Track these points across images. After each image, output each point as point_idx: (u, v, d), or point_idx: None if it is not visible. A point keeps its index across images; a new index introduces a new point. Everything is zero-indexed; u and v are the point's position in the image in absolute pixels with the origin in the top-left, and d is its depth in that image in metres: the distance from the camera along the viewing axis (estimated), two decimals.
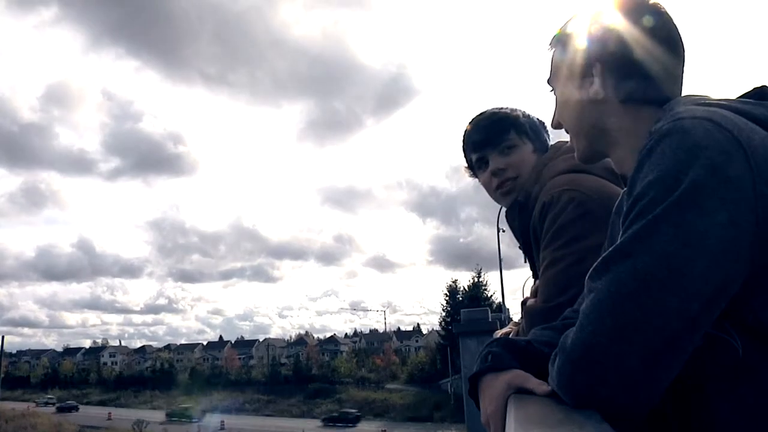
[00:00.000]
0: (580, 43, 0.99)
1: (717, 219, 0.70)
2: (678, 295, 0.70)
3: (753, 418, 0.74)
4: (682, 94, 0.95)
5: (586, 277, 0.79)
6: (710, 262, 0.70)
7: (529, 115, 1.63)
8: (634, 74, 0.94)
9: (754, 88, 0.88)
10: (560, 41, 1.05)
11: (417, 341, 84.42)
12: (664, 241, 0.71)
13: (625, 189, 0.85)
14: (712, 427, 0.77)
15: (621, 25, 0.95)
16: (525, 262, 1.60)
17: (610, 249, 0.76)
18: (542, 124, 1.64)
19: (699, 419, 0.78)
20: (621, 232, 0.77)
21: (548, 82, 1.10)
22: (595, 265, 0.78)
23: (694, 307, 0.71)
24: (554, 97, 1.09)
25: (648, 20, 0.94)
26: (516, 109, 1.63)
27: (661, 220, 0.72)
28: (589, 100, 0.98)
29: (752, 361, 0.74)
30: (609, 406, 0.73)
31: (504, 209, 1.64)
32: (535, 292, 1.40)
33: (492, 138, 1.57)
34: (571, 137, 1.06)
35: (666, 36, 0.95)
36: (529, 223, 1.45)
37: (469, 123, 1.64)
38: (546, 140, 1.62)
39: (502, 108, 1.63)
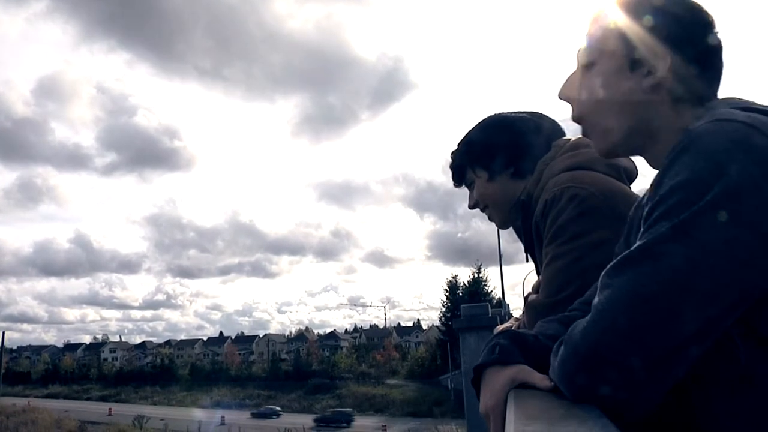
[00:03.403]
0: (643, 28, 0.91)
1: (747, 228, 0.67)
2: (696, 302, 0.68)
3: (753, 425, 0.73)
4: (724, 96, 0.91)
5: (603, 272, 0.76)
6: (735, 271, 0.68)
7: (480, 140, 1.60)
8: (698, 68, 0.89)
9: None
10: (613, 24, 0.94)
11: (417, 337, 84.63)
12: (689, 246, 0.68)
13: (651, 184, 0.80)
14: (712, 430, 0.76)
15: (690, 13, 0.90)
16: (527, 261, 1.60)
17: (633, 247, 0.73)
18: (497, 145, 1.57)
19: (700, 422, 0.77)
20: (643, 230, 0.74)
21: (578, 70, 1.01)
22: (614, 261, 0.75)
23: (711, 315, 0.69)
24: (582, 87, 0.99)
25: (710, 15, 0.91)
26: (470, 138, 1.63)
27: (689, 224, 0.69)
28: (644, 90, 0.90)
29: (755, 369, 0.73)
30: (609, 403, 0.72)
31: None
32: (537, 288, 1.40)
33: (456, 181, 1.70)
34: (600, 129, 0.98)
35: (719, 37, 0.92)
36: (531, 221, 1.46)
37: None
38: (508, 156, 1.56)
39: (458, 144, 1.67)
